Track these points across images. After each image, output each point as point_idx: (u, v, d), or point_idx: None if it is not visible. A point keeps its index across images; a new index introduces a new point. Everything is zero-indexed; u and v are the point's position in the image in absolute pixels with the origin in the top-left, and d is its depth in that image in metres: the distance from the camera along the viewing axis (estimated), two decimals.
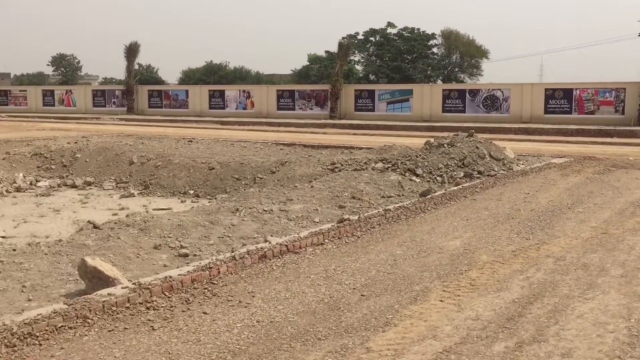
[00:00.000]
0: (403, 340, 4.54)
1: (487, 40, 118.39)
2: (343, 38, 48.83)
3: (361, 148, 18.56)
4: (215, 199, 14.23)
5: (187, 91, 44.20)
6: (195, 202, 14.58)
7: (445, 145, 14.60)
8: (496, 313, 5.12)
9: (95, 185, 16.94)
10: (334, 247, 7.45)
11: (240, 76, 63.18)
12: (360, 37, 55.74)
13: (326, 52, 55.88)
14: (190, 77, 61.39)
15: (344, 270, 6.43)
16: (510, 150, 15.91)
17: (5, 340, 4.29)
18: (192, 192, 15.82)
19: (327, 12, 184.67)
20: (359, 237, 7.94)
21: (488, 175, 13.23)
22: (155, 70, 67.89)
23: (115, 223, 8.94)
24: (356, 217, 8.71)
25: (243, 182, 15.80)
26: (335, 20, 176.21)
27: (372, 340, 4.54)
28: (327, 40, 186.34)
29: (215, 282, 5.94)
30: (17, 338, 4.36)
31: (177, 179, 16.50)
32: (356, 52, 54.26)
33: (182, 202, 14.82)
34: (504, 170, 13.86)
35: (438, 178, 13.13)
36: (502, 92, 33.49)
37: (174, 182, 16.39)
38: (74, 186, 16.68)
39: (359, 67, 56.85)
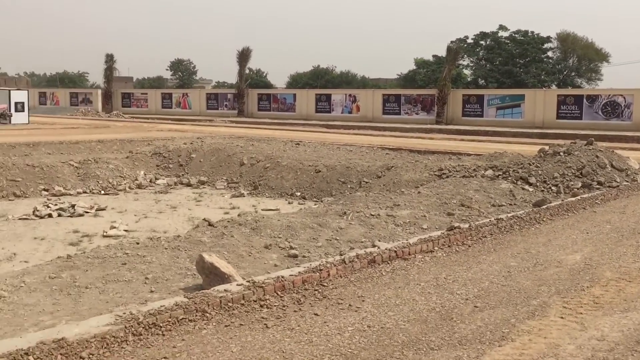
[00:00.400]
0: (521, 356, 4.34)
1: (608, 44, 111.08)
2: (452, 42, 47.92)
3: (469, 154, 18.09)
4: (322, 201, 14.42)
5: (294, 95, 45.21)
6: (301, 204, 14.85)
7: (561, 153, 13.89)
8: (624, 335, 4.77)
9: (208, 184, 17.71)
10: (444, 255, 7.28)
11: (346, 80, 63.66)
12: (469, 40, 54.42)
13: (434, 56, 55.09)
14: (298, 81, 62.70)
15: (455, 280, 6.26)
16: (635, 160, 14.84)
17: (132, 329, 4.56)
18: (298, 194, 16.13)
19: (435, 16, 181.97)
20: (469, 246, 7.71)
21: (609, 187, 12.42)
22: (264, 74, 69.96)
23: (228, 222, 9.28)
24: (467, 226, 8.47)
25: (349, 186, 15.89)
26: (444, 24, 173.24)
27: (487, 355, 4.38)
28: (435, 44, 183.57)
29: (325, 284, 5.99)
30: (143, 327, 4.61)
31: (284, 181, 16.89)
32: (465, 56, 52.98)
33: (289, 203, 15.15)
34: (627, 181, 12.96)
35: (553, 188, 12.52)
36: (624, 98, 31.37)
37: (281, 184, 16.79)
38: (189, 185, 17.55)
39: (467, 72, 55.53)
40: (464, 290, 5.90)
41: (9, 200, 14.71)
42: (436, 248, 7.49)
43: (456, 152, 19.01)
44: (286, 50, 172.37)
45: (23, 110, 32.76)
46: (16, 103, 32.49)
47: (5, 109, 31.74)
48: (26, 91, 36.28)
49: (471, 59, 55.44)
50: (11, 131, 26.06)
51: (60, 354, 4.08)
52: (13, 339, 4.31)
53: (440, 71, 41.10)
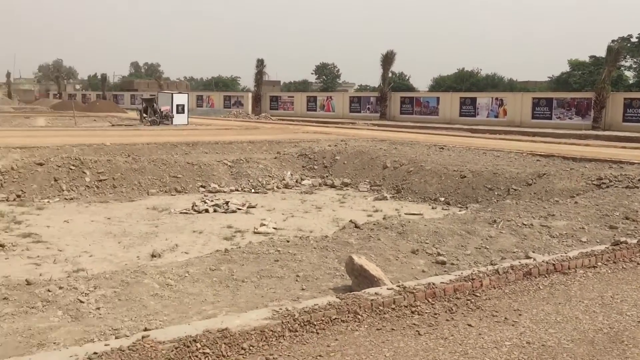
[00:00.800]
0: None
1: None
2: (613, 41, 44.30)
3: (633, 163, 16.62)
4: (467, 208, 13.99)
5: (437, 98, 44.44)
6: (445, 209, 14.53)
7: None
8: None
9: (351, 186, 17.93)
10: (609, 271, 6.72)
11: (492, 83, 61.26)
12: (634, 39, 49.98)
13: (590, 57, 51.27)
14: (441, 85, 61.46)
15: (624, 299, 5.74)
16: None
17: (289, 325, 4.70)
18: (442, 199, 15.80)
19: (590, 16, 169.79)
20: (638, 264, 7.05)
21: None
22: (407, 77, 69.45)
23: (374, 224, 9.30)
24: (634, 241, 7.76)
25: (496, 193, 15.28)
26: (600, 23, 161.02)
27: None
28: (592, 44, 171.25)
29: (478, 294, 5.77)
30: (298, 324, 4.74)
31: (428, 185, 16.62)
32: (628, 56, 48.71)
33: (432, 208, 14.89)
34: None
35: None
36: None
37: (424, 188, 16.54)
38: (332, 186, 17.89)
39: (629, 74, 51.03)
40: (634, 312, 5.39)
41: (171, 195, 15.96)
42: (599, 263, 6.94)
43: (617, 161, 17.52)
44: (430, 53, 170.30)
45: (183, 112, 35.48)
46: (177, 105, 35.26)
47: (169, 110, 34.58)
48: (186, 94, 39.21)
49: (635, 60, 50.85)
50: (173, 131, 28.30)
51: (224, 344, 4.31)
52: (181, 326, 4.63)
53: (598, 73, 38.19)
